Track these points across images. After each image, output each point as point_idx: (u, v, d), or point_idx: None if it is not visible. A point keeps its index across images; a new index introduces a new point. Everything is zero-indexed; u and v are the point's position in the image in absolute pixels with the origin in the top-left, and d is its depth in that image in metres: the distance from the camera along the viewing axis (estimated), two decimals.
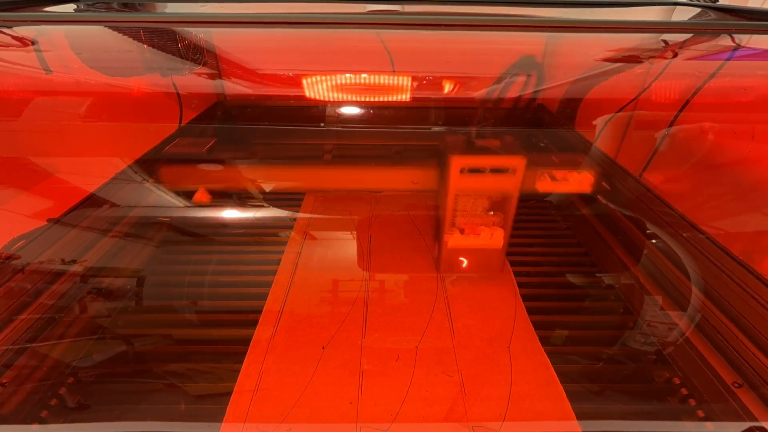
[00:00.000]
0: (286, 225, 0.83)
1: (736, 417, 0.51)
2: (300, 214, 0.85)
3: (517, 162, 0.64)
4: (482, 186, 0.65)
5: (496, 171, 0.64)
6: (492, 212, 0.65)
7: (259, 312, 0.64)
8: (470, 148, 0.67)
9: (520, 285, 0.71)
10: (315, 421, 0.50)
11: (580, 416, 0.53)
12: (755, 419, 0.50)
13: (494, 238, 0.67)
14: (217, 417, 0.50)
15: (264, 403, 0.52)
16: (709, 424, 0.53)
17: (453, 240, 0.67)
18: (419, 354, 0.57)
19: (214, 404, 0.53)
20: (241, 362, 0.56)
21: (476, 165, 0.64)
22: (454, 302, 0.65)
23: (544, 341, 0.61)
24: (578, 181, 0.75)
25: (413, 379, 0.54)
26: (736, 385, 0.53)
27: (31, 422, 0.51)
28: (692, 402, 0.55)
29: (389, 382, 0.54)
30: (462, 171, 0.64)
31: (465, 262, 0.69)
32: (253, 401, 0.52)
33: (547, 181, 0.72)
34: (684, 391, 0.56)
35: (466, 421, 0.50)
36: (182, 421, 0.53)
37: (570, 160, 0.81)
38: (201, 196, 0.75)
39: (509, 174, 0.64)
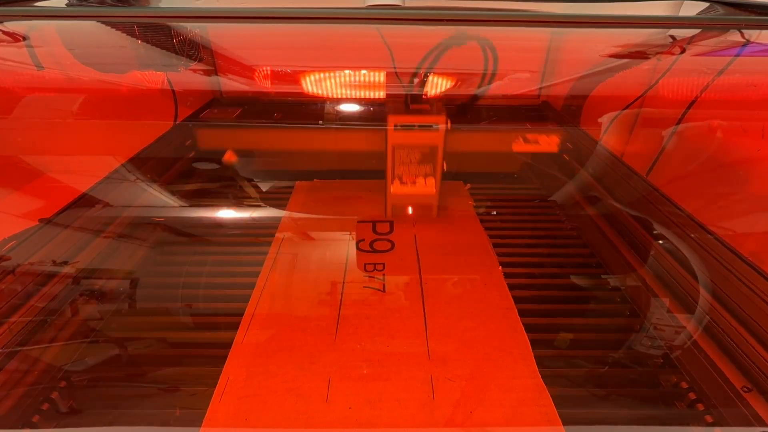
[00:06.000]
0: (275, 224, 0.82)
1: (746, 422, 0.51)
2: (296, 214, 0.84)
3: (440, 119, 0.77)
4: (413, 140, 0.77)
5: (423, 127, 0.77)
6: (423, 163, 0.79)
7: (249, 315, 0.63)
8: (405, 110, 0.79)
9: (522, 287, 0.69)
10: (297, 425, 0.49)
11: (585, 421, 0.52)
12: (765, 425, 0.49)
13: (428, 185, 0.80)
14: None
15: (244, 407, 0.51)
16: (717, 430, 0.52)
17: (395, 187, 0.81)
18: (400, 358, 0.57)
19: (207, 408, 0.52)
20: (232, 365, 0.55)
21: (407, 122, 0.77)
22: (440, 304, 0.65)
23: (545, 345, 0.60)
24: (546, 142, 0.91)
25: (398, 384, 0.53)
26: (746, 389, 0.52)
27: (22, 427, 0.51)
28: (700, 407, 0.54)
29: (376, 386, 0.53)
30: (396, 127, 0.76)
31: (410, 210, 0.84)
32: (234, 405, 0.51)
33: (520, 143, 0.90)
34: (692, 395, 0.55)
35: (455, 426, 0.49)
36: (177, 425, 0.52)
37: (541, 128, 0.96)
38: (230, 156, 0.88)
39: (434, 130, 0.77)
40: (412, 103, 0.80)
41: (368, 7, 0.71)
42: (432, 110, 0.78)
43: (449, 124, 0.77)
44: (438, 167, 0.79)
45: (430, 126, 0.76)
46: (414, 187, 0.80)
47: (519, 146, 0.91)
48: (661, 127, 0.77)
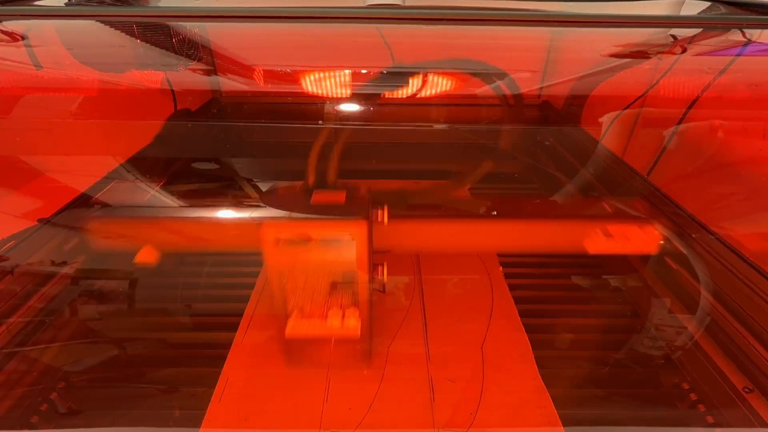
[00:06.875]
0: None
1: (747, 423, 0.51)
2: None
3: (354, 228, 0.44)
4: (311, 261, 0.48)
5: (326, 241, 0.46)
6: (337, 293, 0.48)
7: (249, 315, 0.63)
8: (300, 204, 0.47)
9: (522, 287, 0.69)
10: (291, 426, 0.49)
11: (586, 422, 0.52)
12: (766, 425, 0.49)
13: (347, 325, 0.48)
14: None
15: (244, 407, 0.51)
16: (718, 430, 0.52)
17: (292, 324, 0.49)
18: (400, 358, 0.57)
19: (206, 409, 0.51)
20: (231, 366, 0.55)
21: (298, 233, 0.45)
22: (439, 305, 0.65)
23: (546, 345, 0.60)
24: (641, 238, 0.54)
25: (397, 384, 0.53)
26: (747, 390, 0.52)
27: (21, 428, 0.51)
28: (701, 407, 0.54)
29: (376, 386, 0.53)
30: (278, 243, 0.46)
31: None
32: (234, 406, 0.50)
33: (599, 239, 0.53)
34: (693, 396, 0.55)
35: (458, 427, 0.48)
36: (177, 426, 0.52)
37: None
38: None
39: (346, 244, 0.46)
40: (316, 186, 0.48)
41: (368, 7, 0.71)
42: (349, 204, 0.46)
43: (383, 216, 0.44)
44: (364, 297, 0.50)
45: (339, 241, 0.45)
46: (324, 324, 0.50)
47: None
48: (662, 127, 0.77)
